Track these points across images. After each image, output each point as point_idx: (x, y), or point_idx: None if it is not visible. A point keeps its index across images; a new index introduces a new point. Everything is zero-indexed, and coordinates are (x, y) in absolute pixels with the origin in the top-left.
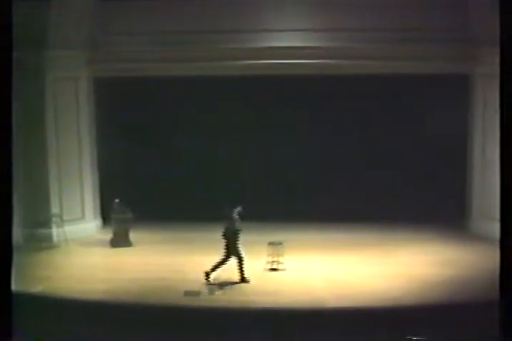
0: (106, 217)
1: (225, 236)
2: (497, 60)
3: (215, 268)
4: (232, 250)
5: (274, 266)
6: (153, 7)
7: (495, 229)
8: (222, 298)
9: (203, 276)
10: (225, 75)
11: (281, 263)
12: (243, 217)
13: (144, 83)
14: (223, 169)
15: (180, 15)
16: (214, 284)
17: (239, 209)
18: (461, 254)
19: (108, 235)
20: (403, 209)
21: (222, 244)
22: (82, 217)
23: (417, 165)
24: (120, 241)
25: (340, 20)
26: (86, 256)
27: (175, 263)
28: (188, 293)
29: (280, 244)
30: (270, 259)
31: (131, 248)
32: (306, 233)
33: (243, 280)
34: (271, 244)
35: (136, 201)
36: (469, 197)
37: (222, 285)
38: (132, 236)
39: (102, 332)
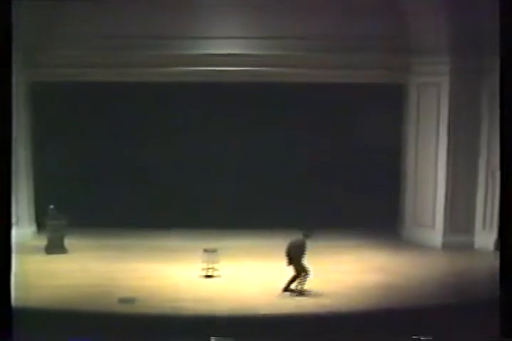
0: (41, 224)
1: (289, 252)
2: (430, 69)
3: (290, 283)
4: (297, 265)
5: (209, 273)
6: (94, 12)
7: (426, 236)
8: (158, 305)
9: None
10: (164, 81)
11: (217, 270)
12: (309, 235)
13: (81, 88)
14: (157, 175)
15: (119, 20)
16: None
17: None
18: (393, 261)
19: (43, 241)
20: (337, 216)
21: (158, 250)
22: (16, 223)
23: (352, 173)
24: (55, 247)
25: (277, 28)
26: (20, 263)
27: (110, 270)
28: (122, 300)
29: (215, 251)
30: (205, 266)
31: (66, 254)
32: (241, 240)
33: (300, 292)
34: (206, 250)
35: (72, 207)
36: (402, 205)
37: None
38: (67, 242)
39: (36, 340)
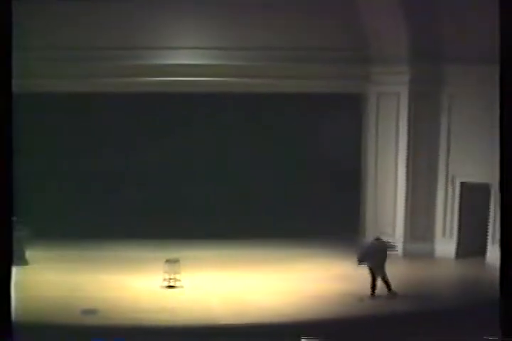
0: None
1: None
2: (390, 79)
3: (373, 287)
4: (378, 270)
5: (171, 284)
6: (59, 23)
7: None
8: (120, 316)
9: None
10: (127, 92)
11: (178, 280)
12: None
13: (47, 98)
14: (118, 186)
15: (84, 31)
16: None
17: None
18: (355, 269)
19: None
20: (298, 225)
21: (120, 261)
22: None
23: (313, 182)
24: (16, 259)
25: (240, 39)
26: None
27: (72, 281)
28: (84, 312)
29: (177, 261)
30: (167, 276)
31: (27, 266)
32: (202, 250)
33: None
34: (168, 261)
35: (33, 219)
36: (363, 213)
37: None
38: (28, 254)
39: None
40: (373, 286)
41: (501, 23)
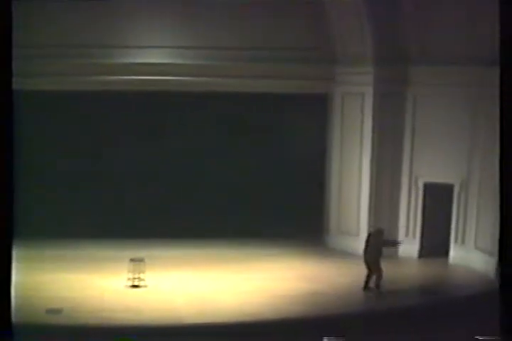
0: None
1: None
2: (355, 79)
3: (367, 282)
4: (374, 266)
5: (136, 283)
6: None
7: (351, 243)
8: (85, 316)
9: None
10: (90, 90)
11: (143, 279)
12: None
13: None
14: (81, 184)
15: (50, 29)
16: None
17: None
18: (319, 268)
19: None
20: (263, 225)
21: (84, 260)
22: None
23: (278, 182)
24: None
25: (203, 38)
26: None
27: (36, 281)
28: (49, 311)
29: (142, 260)
30: (131, 276)
31: None
32: (168, 250)
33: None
34: (132, 260)
35: None
36: (327, 213)
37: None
38: None
39: None
40: (367, 280)
41: (501, 23)
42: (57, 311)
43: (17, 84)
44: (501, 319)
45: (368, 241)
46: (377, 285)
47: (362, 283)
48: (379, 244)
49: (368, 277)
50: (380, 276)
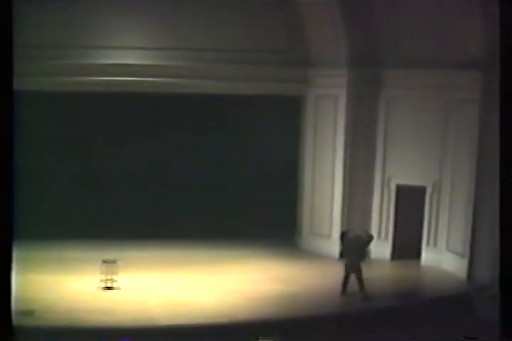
0: None
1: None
2: (328, 81)
3: (345, 284)
4: (354, 268)
5: (109, 285)
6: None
7: (323, 245)
8: (56, 317)
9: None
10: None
11: (116, 281)
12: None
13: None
14: (58, 187)
15: (28, 29)
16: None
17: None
18: (291, 270)
19: None
20: (236, 226)
21: (55, 261)
22: None
23: (250, 184)
24: None
25: (177, 39)
26: None
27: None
28: (20, 313)
29: (114, 262)
30: (104, 277)
31: None
32: (140, 251)
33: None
34: (105, 262)
35: None
36: (300, 214)
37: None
38: None
39: None
40: (345, 284)
41: (501, 22)
42: (28, 312)
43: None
44: (501, 319)
45: (343, 242)
46: (362, 288)
47: (336, 285)
48: (361, 247)
49: (346, 280)
50: (361, 280)
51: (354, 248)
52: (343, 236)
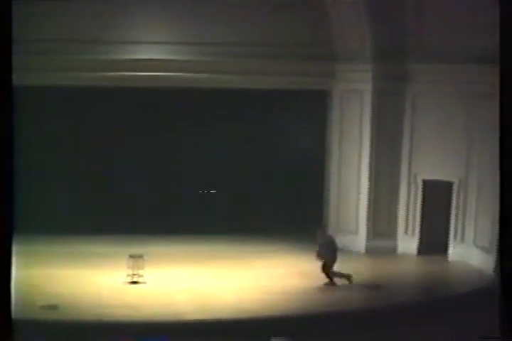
0: None
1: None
2: (353, 76)
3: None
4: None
5: (135, 279)
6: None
7: (350, 241)
8: (81, 312)
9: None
10: (87, 86)
11: (142, 276)
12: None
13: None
14: (82, 181)
15: (50, 25)
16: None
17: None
18: (316, 266)
19: None
20: (263, 221)
21: (82, 256)
22: None
23: (276, 178)
24: None
25: (205, 34)
26: None
27: (32, 276)
28: (44, 307)
29: (140, 256)
30: (130, 272)
31: None
32: (166, 246)
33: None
34: (131, 256)
35: None
36: (326, 210)
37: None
38: None
39: None
40: (331, 277)
41: (501, 22)
42: (53, 307)
43: (17, 80)
44: (501, 319)
45: (327, 243)
46: (347, 277)
47: (362, 281)
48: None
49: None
50: (338, 273)
51: (330, 248)
52: (319, 234)
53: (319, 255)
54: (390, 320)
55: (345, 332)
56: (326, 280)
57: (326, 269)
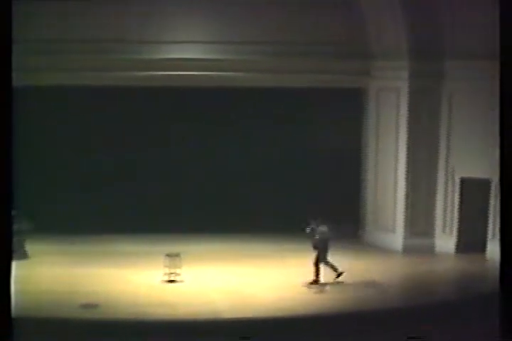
0: None
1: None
2: (390, 74)
3: (317, 274)
4: (322, 258)
5: (172, 278)
6: (53, 15)
7: (387, 239)
8: (120, 311)
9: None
10: (127, 86)
11: (179, 274)
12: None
13: (48, 92)
14: (117, 180)
15: (80, 24)
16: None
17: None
18: (355, 264)
19: None
20: (298, 219)
21: (120, 255)
22: None
23: (314, 177)
24: (16, 252)
25: (239, 33)
26: None
27: (71, 275)
28: (84, 306)
29: (177, 255)
30: (167, 271)
31: (27, 260)
32: (203, 244)
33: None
34: (168, 255)
35: (33, 212)
36: (363, 208)
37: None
38: (28, 247)
39: None
40: (317, 273)
41: (501, 22)
42: (92, 306)
43: (46, 79)
44: (501, 321)
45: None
46: (335, 270)
47: (399, 280)
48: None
49: (318, 270)
50: (331, 264)
51: (323, 239)
52: (312, 228)
53: (314, 246)
54: (425, 318)
55: (383, 330)
56: (312, 279)
57: (318, 263)
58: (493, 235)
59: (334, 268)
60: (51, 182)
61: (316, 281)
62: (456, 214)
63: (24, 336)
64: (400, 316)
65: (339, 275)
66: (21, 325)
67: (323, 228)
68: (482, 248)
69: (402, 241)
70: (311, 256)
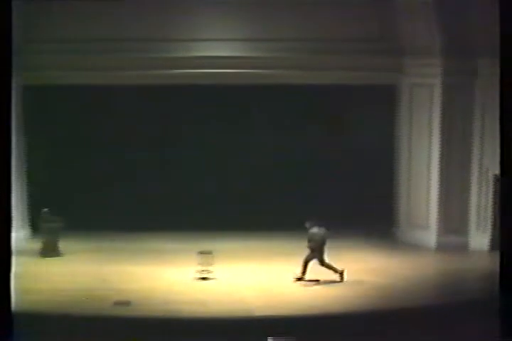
0: (35, 227)
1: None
2: (423, 71)
3: (304, 272)
4: (318, 254)
5: (204, 275)
6: (80, 14)
7: (421, 236)
8: (153, 308)
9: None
10: (158, 84)
11: (211, 272)
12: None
13: (72, 92)
14: (150, 178)
15: (107, 23)
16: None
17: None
18: (388, 262)
19: (37, 244)
20: (333, 217)
21: (153, 252)
22: None
23: (347, 174)
24: (49, 250)
25: (270, 30)
26: (15, 266)
27: (105, 272)
28: (117, 303)
29: (210, 253)
30: (200, 268)
31: (60, 257)
32: (235, 242)
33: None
34: (201, 253)
35: (66, 210)
36: (397, 205)
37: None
38: (62, 245)
39: None
40: (304, 271)
41: (501, 22)
42: (124, 303)
43: (80, 78)
44: (501, 321)
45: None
46: (335, 270)
47: (432, 277)
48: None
49: (305, 269)
50: (329, 264)
51: (319, 241)
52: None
53: (310, 247)
54: (458, 316)
55: (415, 328)
56: (298, 275)
57: (307, 261)
58: None
59: (334, 269)
60: (84, 180)
61: (300, 279)
62: (490, 212)
63: (57, 333)
64: (433, 314)
65: (341, 274)
66: (51, 321)
67: (320, 230)
68: None
69: (436, 239)
70: (347, 254)
